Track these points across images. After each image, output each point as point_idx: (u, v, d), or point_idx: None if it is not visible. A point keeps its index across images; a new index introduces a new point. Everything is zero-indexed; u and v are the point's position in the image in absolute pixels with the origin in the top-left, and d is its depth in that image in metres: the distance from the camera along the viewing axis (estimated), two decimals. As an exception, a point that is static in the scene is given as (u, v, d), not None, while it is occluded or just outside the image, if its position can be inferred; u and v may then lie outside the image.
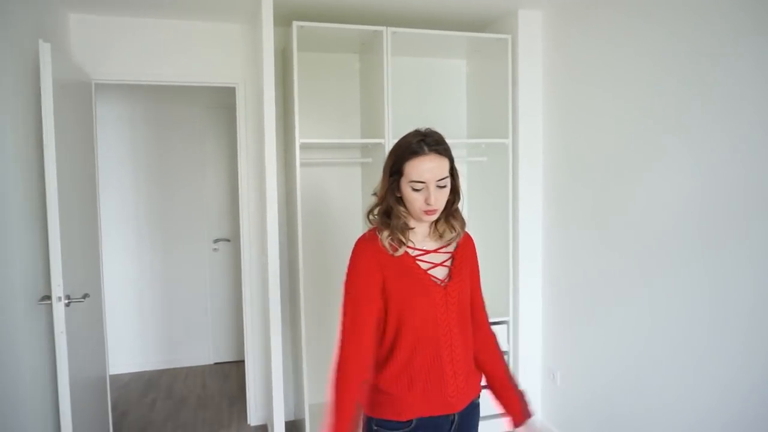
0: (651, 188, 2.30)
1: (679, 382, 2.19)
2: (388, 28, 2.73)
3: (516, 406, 1.49)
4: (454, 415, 1.43)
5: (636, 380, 2.42)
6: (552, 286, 3.03)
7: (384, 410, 1.41)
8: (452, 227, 1.45)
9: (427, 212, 1.35)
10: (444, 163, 1.36)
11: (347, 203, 3.26)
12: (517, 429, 1.49)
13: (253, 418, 3.31)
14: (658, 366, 2.29)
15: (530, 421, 1.48)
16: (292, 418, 3.25)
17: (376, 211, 1.44)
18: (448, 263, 1.45)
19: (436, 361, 1.39)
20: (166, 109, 4.21)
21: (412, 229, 1.41)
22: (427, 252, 1.43)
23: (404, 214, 1.40)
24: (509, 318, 3.09)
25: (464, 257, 1.48)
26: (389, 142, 2.76)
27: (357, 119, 3.24)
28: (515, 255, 3.06)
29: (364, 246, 1.41)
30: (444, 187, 1.36)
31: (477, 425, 1.53)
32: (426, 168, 1.33)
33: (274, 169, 2.68)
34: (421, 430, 1.40)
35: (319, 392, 3.25)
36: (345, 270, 1.42)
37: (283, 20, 2.83)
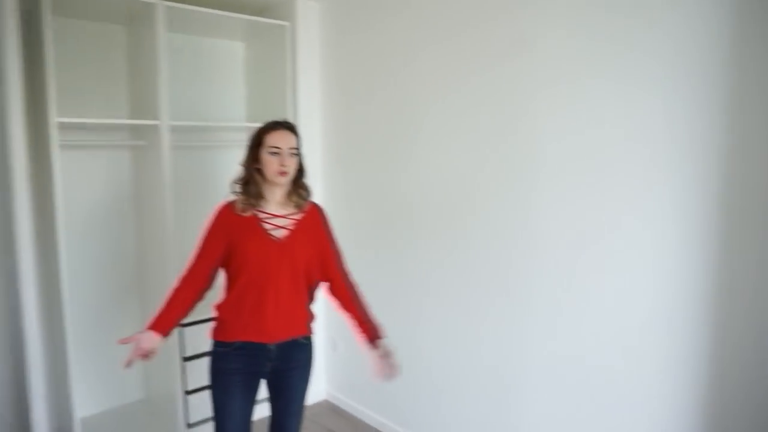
0: (427, 171, 2.65)
1: (452, 344, 2.62)
2: (163, 1, 2.53)
3: (369, 331, 1.95)
4: (270, 346, 1.82)
5: (413, 347, 2.80)
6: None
7: (217, 333, 1.86)
8: (300, 195, 1.87)
9: (281, 173, 1.77)
10: (293, 138, 1.83)
11: (117, 189, 2.96)
12: (372, 349, 1.92)
13: (4, 443, 2.81)
14: (436, 336, 2.69)
15: (381, 341, 1.94)
16: (57, 435, 2.86)
17: (239, 182, 1.83)
18: (291, 227, 1.83)
19: (260, 300, 1.79)
20: None
21: (264, 198, 1.82)
22: (275, 216, 1.83)
23: (260, 181, 1.81)
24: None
25: (309, 224, 1.89)
26: (166, 124, 2.61)
27: (123, 98, 2.93)
28: (299, 237, 3.18)
29: (219, 209, 1.84)
30: (294, 155, 1.82)
31: (303, 362, 1.93)
32: (280, 137, 1.79)
33: (24, 153, 2.29)
34: (241, 351, 1.81)
35: (92, 403, 2.93)
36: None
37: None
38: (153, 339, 1.72)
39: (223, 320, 1.84)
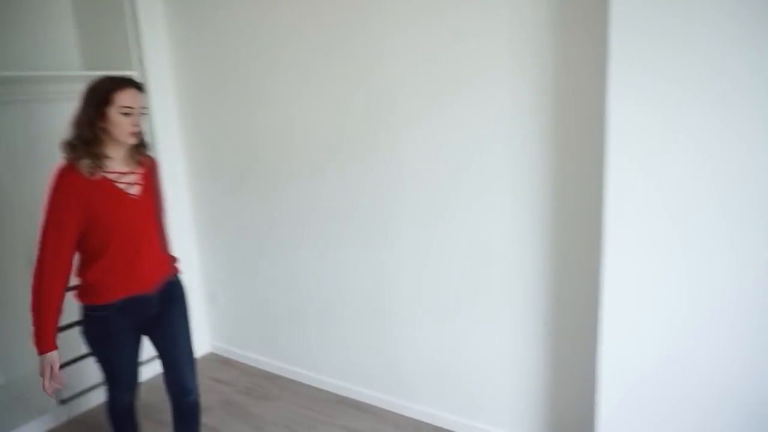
0: (290, 113, 2.60)
1: (328, 277, 2.70)
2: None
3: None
4: (151, 295, 1.87)
5: (289, 285, 2.85)
6: (204, 216, 3.15)
7: (91, 298, 1.79)
8: (141, 151, 1.87)
9: (133, 133, 1.74)
10: (142, 97, 1.78)
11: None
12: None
13: None
14: (310, 271, 2.75)
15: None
16: None
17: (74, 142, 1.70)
18: (140, 182, 1.83)
19: (136, 256, 1.81)
20: None
21: (109, 157, 1.74)
22: (123, 174, 1.79)
23: (107, 141, 1.73)
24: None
25: (151, 177, 1.90)
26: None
27: None
28: (162, 191, 3.01)
29: (61, 177, 1.67)
30: (143, 115, 1.80)
31: (178, 297, 2.00)
32: (132, 97, 1.73)
33: None
34: (124, 307, 1.81)
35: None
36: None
37: None
38: (56, 358, 1.72)
39: (96, 284, 1.79)
